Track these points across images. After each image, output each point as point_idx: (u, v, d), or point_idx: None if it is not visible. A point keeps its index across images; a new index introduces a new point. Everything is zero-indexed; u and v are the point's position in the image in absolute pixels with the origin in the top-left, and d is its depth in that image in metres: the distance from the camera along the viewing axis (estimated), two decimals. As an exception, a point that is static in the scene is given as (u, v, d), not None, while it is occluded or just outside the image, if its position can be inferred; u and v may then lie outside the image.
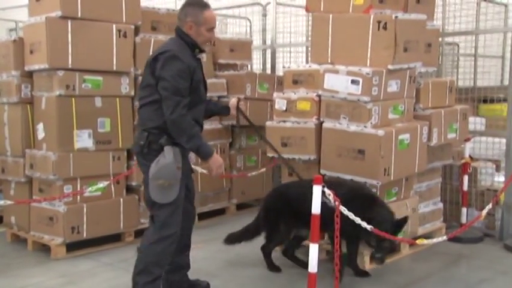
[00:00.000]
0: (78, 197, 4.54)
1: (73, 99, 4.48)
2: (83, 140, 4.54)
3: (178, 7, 3.44)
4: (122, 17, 4.74)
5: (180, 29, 3.28)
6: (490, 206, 4.29)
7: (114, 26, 4.65)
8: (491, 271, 4.20)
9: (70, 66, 4.44)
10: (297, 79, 4.68)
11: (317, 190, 3.11)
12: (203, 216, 5.64)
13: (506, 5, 6.45)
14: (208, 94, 5.87)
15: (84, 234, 4.57)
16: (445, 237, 4.00)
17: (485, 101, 7.39)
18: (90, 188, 4.47)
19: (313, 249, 3.14)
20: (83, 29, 4.47)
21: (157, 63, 3.11)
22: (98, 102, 4.64)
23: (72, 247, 4.57)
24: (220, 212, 5.95)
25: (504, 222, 4.86)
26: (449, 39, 7.35)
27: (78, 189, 4.52)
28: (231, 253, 4.46)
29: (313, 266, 3.16)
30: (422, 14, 4.49)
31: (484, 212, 4.17)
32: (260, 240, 4.20)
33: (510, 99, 4.90)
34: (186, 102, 3.11)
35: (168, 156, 3.09)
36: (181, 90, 3.08)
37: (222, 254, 4.50)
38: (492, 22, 7.39)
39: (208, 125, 5.84)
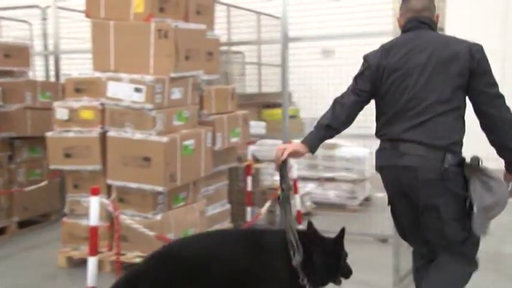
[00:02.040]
0: None
1: None
2: None
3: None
4: None
5: (433, 21, 2.78)
6: (269, 203, 4.68)
7: None
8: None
9: None
10: (80, 87, 4.52)
11: (94, 201, 3.02)
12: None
13: (280, 18, 7.10)
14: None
15: None
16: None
17: (268, 107, 8.08)
18: None
19: (92, 262, 3.04)
20: None
21: (473, 60, 2.62)
22: None
23: None
24: (-1, 232, 5.39)
25: (281, 217, 5.29)
26: (236, 48, 7.83)
27: None
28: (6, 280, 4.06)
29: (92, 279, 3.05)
30: (202, 24, 4.69)
31: (264, 209, 4.53)
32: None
33: (284, 105, 5.39)
34: None
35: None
36: None
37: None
38: (271, 34, 8.10)
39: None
